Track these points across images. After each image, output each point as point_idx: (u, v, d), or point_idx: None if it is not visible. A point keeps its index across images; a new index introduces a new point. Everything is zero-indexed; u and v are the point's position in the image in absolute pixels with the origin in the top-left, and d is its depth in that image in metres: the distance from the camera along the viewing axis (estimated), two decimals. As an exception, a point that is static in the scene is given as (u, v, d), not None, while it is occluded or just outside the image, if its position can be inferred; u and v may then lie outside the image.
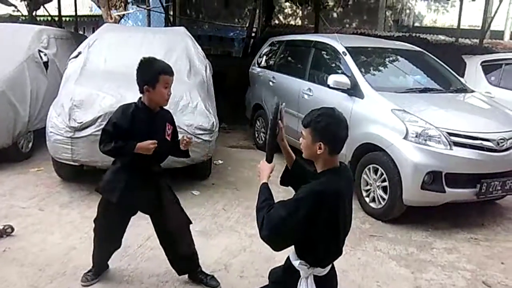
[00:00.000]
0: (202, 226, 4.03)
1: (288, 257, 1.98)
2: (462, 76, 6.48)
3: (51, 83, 6.02)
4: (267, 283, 2.12)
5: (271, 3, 12.50)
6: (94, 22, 17.70)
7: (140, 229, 3.55)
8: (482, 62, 7.08)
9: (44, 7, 13.14)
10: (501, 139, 4.21)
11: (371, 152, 4.46)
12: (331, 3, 14.25)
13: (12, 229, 3.69)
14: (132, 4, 16.54)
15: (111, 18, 11.69)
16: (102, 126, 4.29)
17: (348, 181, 1.98)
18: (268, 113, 6.50)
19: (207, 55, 6.17)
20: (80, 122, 4.36)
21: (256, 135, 7.11)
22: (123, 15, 14.39)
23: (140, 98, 2.74)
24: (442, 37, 11.84)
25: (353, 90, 4.85)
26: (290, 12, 18.91)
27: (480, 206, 4.71)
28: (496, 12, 10.32)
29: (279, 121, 2.02)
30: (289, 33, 8.72)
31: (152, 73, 2.63)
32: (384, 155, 4.31)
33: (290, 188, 2.14)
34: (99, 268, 3.10)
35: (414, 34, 12.31)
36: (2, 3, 13.22)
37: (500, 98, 5.88)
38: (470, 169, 4.13)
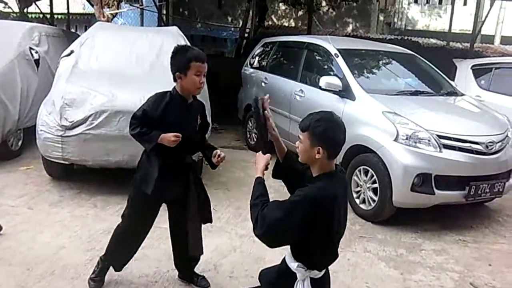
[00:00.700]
0: (193, 226, 4.02)
1: (284, 259, 1.98)
2: (453, 79, 6.54)
3: (42, 81, 5.98)
4: (257, 283, 2.12)
5: (264, 4, 12.51)
6: (87, 20, 17.59)
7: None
8: (473, 66, 7.16)
9: (35, 4, 13.03)
10: (490, 142, 4.25)
11: (361, 154, 4.49)
12: (324, 5, 14.30)
13: (1, 228, 3.66)
14: (125, 3, 16.48)
15: (104, 17, 11.63)
16: (93, 125, 4.33)
17: (344, 184, 1.99)
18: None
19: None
20: (71, 121, 4.33)
21: (248, 135, 7.11)
22: (116, 13, 14.31)
23: (174, 87, 2.72)
24: (433, 41, 11.95)
25: (345, 92, 4.88)
26: (283, 14, 18.95)
27: (469, 208, 4.75)
28: (486, 16, 10.44)
29: (265, 112, 2.03)
30: (282, 34, 8.74)
31: (184, 60, 2.62)
32: (374, 157, 4.34)
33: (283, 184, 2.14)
34: (117, 267, 2.99)
35: (406, 37, 12.41)
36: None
37: (489, 101, 5.95)
38: (459, 171, 4.18)
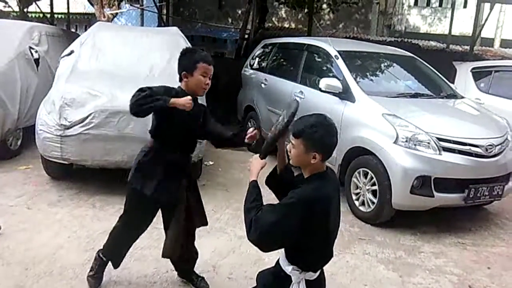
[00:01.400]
0: (192, 227, 4.02)
1: (278, 262, 1.97)
2: (453, 82, 6.55)
3: (42, 80, 5.98)
4: (255, 285, 2.12)
5: (265, 6, 12.50)
6: (87, 20, 17.60)
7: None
8: (472, 68, 7.17)
9: (36, 3, 13.03)
10: (489, 145, 4.25)
11: (361, 156, 4.49)
12: (324, 7, 14.30)
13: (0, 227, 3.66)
14: (126, 3, 16.47)
15: (104, 17, 11.64)
16: (92, 125, 4.33)
17: (335, 184, 1.99)
18: (262, 116, 6.50)
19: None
20: (71, 121, 4.33)
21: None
22: (116, 13, 14.32)
23: (179, 86, 2.72)
24: (433, 43, 11.93)
25: (345, 94, 4.88)
26: (283, 15, 18.95)
27: (468, 211, 4.76)
28: (486, 20, 10.45)
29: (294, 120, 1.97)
30: (282, 36, 8.75)
31: (193, 60, 2.65)
32: (374, 159, 4.34)
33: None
34: (115, 264, 2.98)
35: (406, 40, 12.40)
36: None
37: (489, 104, 5.95)
38: (458, 174, 4.17)
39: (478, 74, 7.03)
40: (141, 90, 2.55)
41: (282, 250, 1.95)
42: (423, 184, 4.10)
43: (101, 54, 5.32)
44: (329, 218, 1.85)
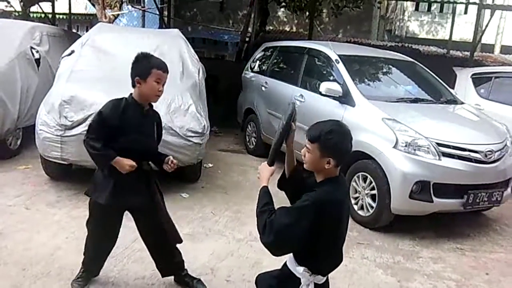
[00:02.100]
0: (190, 229, 4.02)
1: (285, 264, 1.97)
2: (453, 87, 6.56)
3: (42, 81, 5.98)
4: (254, 288, 2.12)
5: (266, 9, 12.53)
6: (88, 21, 17.65)
7: (127, 230, 3.50)
8: (473, 74, 7.18)
9: (38, 4, 13.05)
10: (489, 151, 4.26)
11: (360, 160, 4.49)
12: (325, 11, 14.33)
13: (-3, 227, 3.65)
14: (127, 4, 16.51)
15: (106, 18, 11.66)
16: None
17: (346, 188, 2.05)
18: (262, 120, 6.51)
19: (201, 58, 6.18)
20: (71, 121, 4.33)
21: (247, 139, 7.10)
22: (118, 15, 14.34)
23: (131, 94, 2.72)
24: (434, 49, 11.96)
25: (345, 98, 4.88)
26: (284, 19, 18.99)
27: (467, 216, 4.75)
28: (487, 26, 10.47)
29: (292, 123, 2.00)
30: (283, 39, 8.76)
31: (147, 66, 2.62)
32: (373, 164, 4.34)
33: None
34: (91, 273, 3.03)
35: (406, 44, 12.43)
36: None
37: (489, 110, 5.96)
38: (457, 179, 4.18)
39: (478, 80, 7.04)
40: (90, 130, 2.69)
41: (290, 253, 1.95)
42: (422, 189, 4.10)
43: (102, 54, 5.33)
44: (341, 222, 1.89)
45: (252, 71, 7.40)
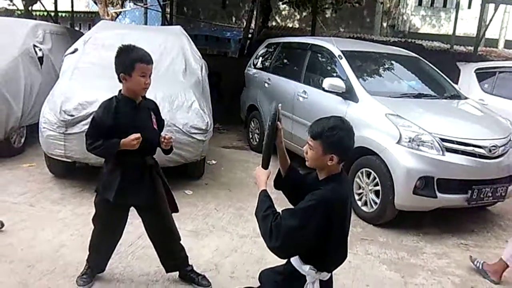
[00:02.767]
0: (194, 226, 4.03)
1: (290, 263, 1.96)
2: (456, 83, 6.53)
3: (45, 79, 5.99)
4: (258, 284, 2.12)
5: (268, 5, 12.50)
6: (91, 19, 17.64)
7: (132, 228, 3.53)
8: (476, 69, 7.14)
9: (40, 2, 13.07)
10: (493, 146, 4.24)
11: (364, 156, 4.48)
12: (328, 7, 14.29)
13: (2, 225, 3.66)
14: (129, 2, 16.50)
15: (108, 15, 11.67)
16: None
17: (349, 184, 2.02)
18: (265, 116, 6.50)
19: (203, 55, 6.17)
20: (75, 119, 4.32)
21: (250, 136, 7.11)
22: (120, 12, 14.34)
23: (120, 90, 2.70)
24: (437, 44, 11.92)
25: (348, 94, 4.87)
26: (287, 15, 18.95)
27: (471, 212, 4.74)
28: (490, 20, 10.41)
29: (278, 122, 1.99)
30: (286, 35, 8.74)
31: (129, 60, 2.57)
32: (377, 159, 4.33)
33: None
34: (96, 269, 3.04)
35: (409, 40, 12.39)
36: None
37: (493, 105, 5.93)
38: (461, 175, 4.16)
39: (482, 75, 7.01)
40: (87, 136, 2.68)
41: None
42: (426, 184, 4.09)
43: (104, 52, 5.31)
44: (345, 219, 1.88)
45: (255, 68, 7.39)
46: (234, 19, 18.75)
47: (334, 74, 5.29)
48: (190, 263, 3.12)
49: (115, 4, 14.02)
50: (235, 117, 7.83)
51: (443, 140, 4.14)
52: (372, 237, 4.14)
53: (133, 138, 2.57)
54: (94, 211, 2.94)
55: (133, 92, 2.67)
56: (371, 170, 4.39)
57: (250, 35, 12.13)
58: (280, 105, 2.03)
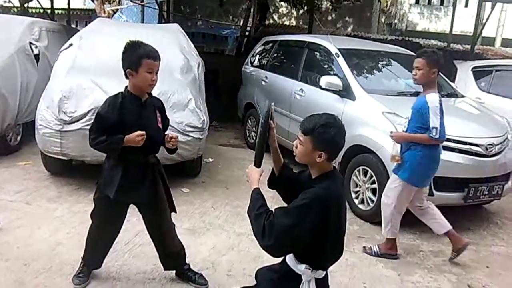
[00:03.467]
0: (191, 224, 4.02)
1: (285, 263, 1.95)
2: (453, 81, 6.54)
3: (42, 76, 5.96)
4: (254, 282, 2.12)
5: (265, 3, 12.50)
6: (87, 16, 17.56)
7: (128, 225, 3.52)
8: (473, 68, 7.15)
9: (37, -1, 13.01)
10: (489, 144, 4.25)
11: (361, 154, 4.48)
12: (325, 5, 14.29)
13: (-2, 223, 3.66)
14: (126, -1, 16.43)
15: (105, 13, 11.63)
16: (90, 121, 4.29)
17: (342, 182, 2.02)
18: (260, 114, 6.50)
19: (200, 53, 6.16)
20: (71, 116, 4.31)
21: (247, 134, 7.10)
22: (117, 10, 14.29)
23: (126, 87, 2.68)
24: (434, 42, 11.93)
25: (345, 92, 4.87)
26: (284, 12, 18.92)
27: (468, 210, 4.75)
28: (487, 19, 10.43)
29: (271, 121, 1.99)
30: (283, 33, 8.74)
31: (136, 56, 2.54)
32: (374, 157, 4.33)
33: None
34: (92, 266, 3.03)
35: (407, 38, 12.39)
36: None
37: (489, 103, 5.94)
38: (458, 173, 4.17)
39: (479, 73, 7.02)
40: (91, 132, 2.65)
41: None
42: (422, 183, 4.09)
43: (100, 49, 5.31)
44: (340, 217, 1.87)
45: (252, 66, 7.38)
46: (231, 17, 18.71)
47: (331, 72, 5.29)
48: (187, 261, 3.12)
49: (111, 1, 13.95)
50: (232, 115, 7.82)
51: (440, 138, 4.14)
52: (369, 235, 4.15)
53: (138, 135, 2.55)
54: (93, 207, 2.91)
55: (139, 89, 2.64)
56: (368, 168, 4.40)
57: (247, 33, 12.11)
58: (273, 104, 2.03)
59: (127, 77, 2.62)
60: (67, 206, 4.21)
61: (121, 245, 3.46)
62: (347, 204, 4.50)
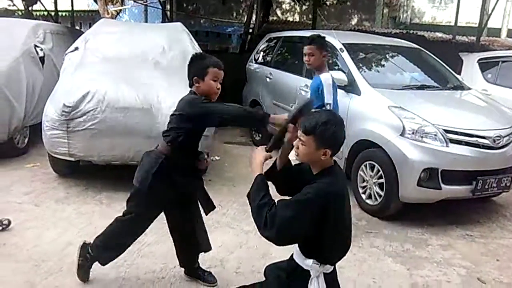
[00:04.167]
0: (199, 222, 4.03)
1: (292, 259, 1.96)
2: (459, 73, 6.49)
3: (47, 78, 5.99)
4: (263, 279, 2.12)
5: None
6: (91, 17, 17.60)
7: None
8: (479, 59, 7.10)
9: (40, 2, 13.05)
10: (497, 136, 4.22)
11: (367, 149, 4.47)
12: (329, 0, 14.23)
13: (9, 222, 3.69)
14: (129, -1, 16.45)
15: (108, 13, 11.65)
16: (97, 120, 4.31)
17: (344, 176, 2.02)
18: (267, 111, 6.49)
19: (204, 51, 6.14)
20: (78, 116, 4.30)
21: (253, 131, 7.09)
22: (120, 10, 14.32)
23: (193, 91, 2.73)
24: (439, 34, 11.83)
25: (350, 87, 4.85)
26: (288, 8, 18.86)
27: (476, 203, 4.72)
28: (493, 9, 10.32)
29: (301, 116, 1.94)
30: (287, 29, 8.70)
31: (202, 65, 2.67)
32: (380, 152, 4.31)
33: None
34: (102, 261, 2.96)
35: (411, 31, 12.30)
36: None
37: (496, 95, 5.90)
38: (466, 166, 4.15)
39: (485, 65, 6.97)
40: (213, 111, 2.63)
41: (296, 246, 1.94)
42: (430, 176, 4.08)
43: (105, 50, 5.33)
44: (344, 211, 1.88)
45: (256, 63, 7.37)
46: (234, 14, 18.68)
47: (336, 67, 5.27)
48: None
49: (115, 2, 13.98)
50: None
51: (446, 131, 4.13)
52: (377, 230, 4.14)
53: (284, 117, 2.39)
54: (129, 204, 2.85)
55: (205, 95, 2.70)
56: (374, 163, 4.38)
57: (251, 30, 12.09)
58: (312, 100, 2.01)
59: (191, 86, 2.73)
60: (75, 207, 4.23)
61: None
62: (355, 199, 4.56)
